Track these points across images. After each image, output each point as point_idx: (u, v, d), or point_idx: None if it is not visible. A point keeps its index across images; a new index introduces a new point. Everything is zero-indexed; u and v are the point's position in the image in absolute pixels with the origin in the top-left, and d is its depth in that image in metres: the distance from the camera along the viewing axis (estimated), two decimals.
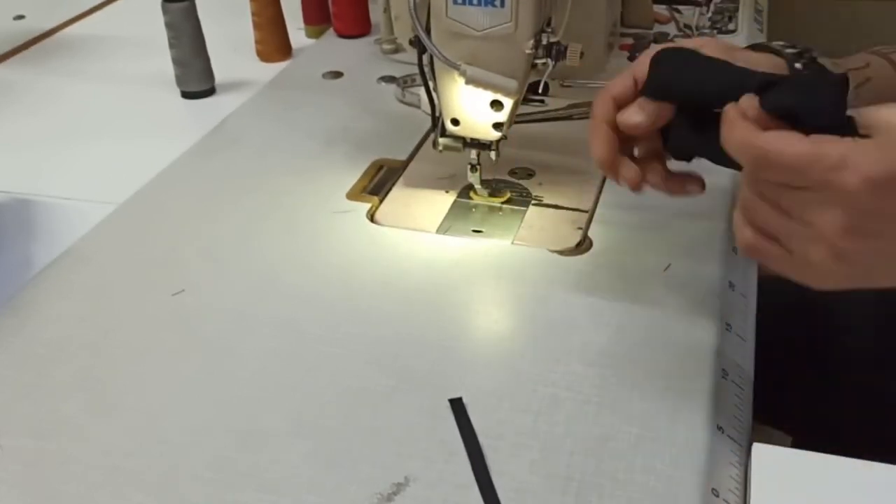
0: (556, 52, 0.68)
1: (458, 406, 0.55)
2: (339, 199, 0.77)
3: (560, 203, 0.78)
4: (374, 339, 0.61)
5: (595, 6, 0.95)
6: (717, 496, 0.50)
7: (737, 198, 0.51)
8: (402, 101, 0.95)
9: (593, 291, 0.65)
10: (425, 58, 0.70)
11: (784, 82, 0.48)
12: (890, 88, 0.60)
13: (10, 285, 0.69)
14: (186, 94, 0.99)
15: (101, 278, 0.69)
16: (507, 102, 0.69)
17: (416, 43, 0.68)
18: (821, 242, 0.45)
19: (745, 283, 0.68)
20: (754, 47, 0.59)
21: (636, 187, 0.57)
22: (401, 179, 0.82)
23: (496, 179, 0.80)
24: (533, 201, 0.78)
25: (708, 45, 0.55)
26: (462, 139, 0.73)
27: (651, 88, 0.55)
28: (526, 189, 0.79)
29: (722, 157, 0.49)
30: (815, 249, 0.45)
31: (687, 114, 0.55)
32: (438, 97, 0.71)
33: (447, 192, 0.79)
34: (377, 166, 0.83)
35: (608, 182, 0.79)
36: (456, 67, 0.66)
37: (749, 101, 0.47)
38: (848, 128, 0.46)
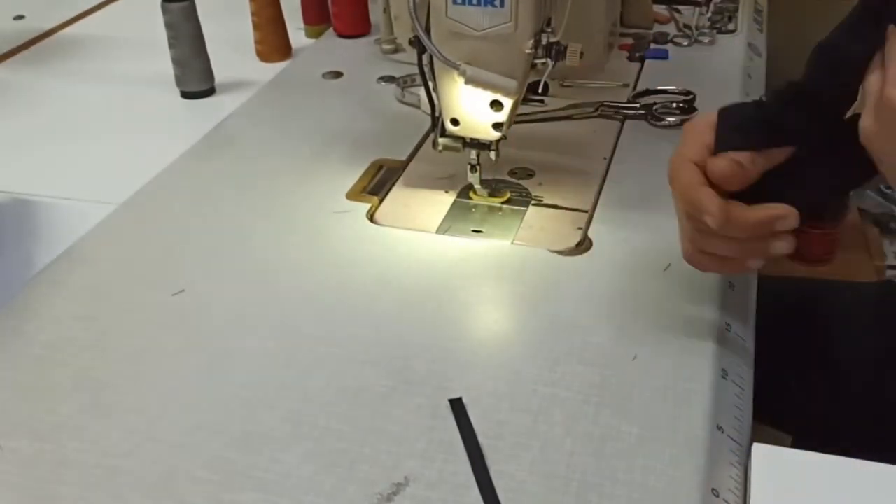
0: (555, 52, 0.68)
1: (457, 406, 0.55)
2: (338, 199, 0.77)
3: (560, 203, 0.78)
4: (374, 339, 0.61)
5: (595, 6, 0.95)
6: (717, 496, 0.50)
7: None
8: (401, 102, 0.95)
9: (593, 291, 0.65)
10: (425, 58, 0.70)
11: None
12: None
13: (10, 285, 0.69)
14: (186, 94, 0.99)
15: (100, 278, 0.69)
16: (507, 102, 0.69)
17: (416, 43, 0.68)
18: None
19: (745, 283, 0.68)
20: None
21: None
22: (400, 179, 0.81)
23: (496, 179, 0.80)
24: (533, 201, 0.78)
25: None
26: (462, 139, 0.73)
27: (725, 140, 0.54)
28: (526, 189, 0.79)
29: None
30: None
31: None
32: (438, 97, 0.71)
33: (447, 192, 0.79)
34: (377, 166, 0.83)
35: (608, 182, 0.79)
36: (456, 67, 0.66)
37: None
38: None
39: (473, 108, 0.70)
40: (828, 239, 1.37)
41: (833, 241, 1.38)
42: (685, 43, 1.07)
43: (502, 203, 0.78)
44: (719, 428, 0.54)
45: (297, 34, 1.11)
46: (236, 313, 0.64)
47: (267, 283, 0.67)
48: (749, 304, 0.67)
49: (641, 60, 1.03)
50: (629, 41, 1.07)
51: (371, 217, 0.75)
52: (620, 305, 0.64)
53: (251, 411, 0.56)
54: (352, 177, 0.81)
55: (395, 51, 1.05)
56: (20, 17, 1.24)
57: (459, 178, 0.78)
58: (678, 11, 1.14)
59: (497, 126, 0.71)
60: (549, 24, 0.69)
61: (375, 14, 1.08)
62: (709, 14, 1.11)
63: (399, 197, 0.79)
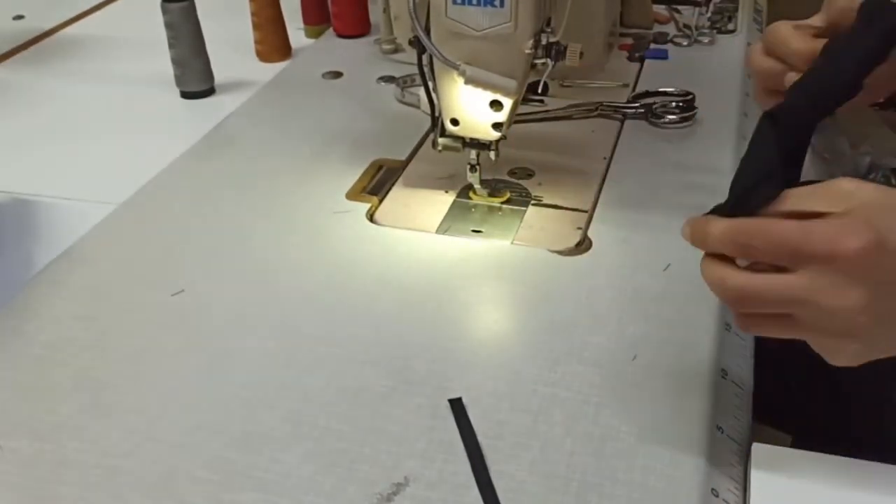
0: (555, 52, 0.68)
1: (457, 406, 0.55)
2: (338, 199, 0.77)
3: (560, 203, 0.78)
4: (374, 338, 0.61)
5: (595, 6, 0.95)
6: (717, 496, 0.50)
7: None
8: (401, 102, 0.95)
9: (593, 291, 0.65)
10: (425, 58, 0.70)
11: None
12: None
13: (10, 285, 0.69)
14: (186, 94, 0.99)
15: (100, 278, 0.69)
16: (507, 102, 0.69)
17: (416, 43, 0.68)
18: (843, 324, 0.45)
19: None
20: None
21: None
22: (400, 179, 0.81)
23: (496, 179, 0.80)
24: (532, 201, 0.78)
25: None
26: (461, 139, 0.73)
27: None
28: (525, 189, 0.79)
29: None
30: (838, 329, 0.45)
31: None
32: (438, 97, 0.71)
33: (447, 192, 0.79)
34: (377, 166, 0.83)
35: (608, 182, 0.79)
36: (455, 67, 0.66)
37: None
38: None
39: (473, 108, 0.70)
40: None
41: None
42: (685, 43, 1.07)
43: (502, 203, 0.78)
44: (719, 428, 0.54)
45: (296, 34, 1.11)
46: (236, 313, 0.64)
47: (267, 283, 0.67)
48: None
49: (641, 60, 1.03)
50: (629, 41, 1.07)
51: (371, 217, 0.75)
52: (620, 305, 0.64)
53: (251, 411, 0.56)
54: (352, 177, 0.81)
55: (395, 51, 1.05)
56: (20, 17, 1.24)
57: (459, 178, 0.78)
58: (678, 11, 1.14)
59: (497, 126, 0.71)
60: (548, 24, 0.69)
61: (375, 14, 1.08)
62: (708, 14, 1.11)
63: (399, 197, 0.79)
